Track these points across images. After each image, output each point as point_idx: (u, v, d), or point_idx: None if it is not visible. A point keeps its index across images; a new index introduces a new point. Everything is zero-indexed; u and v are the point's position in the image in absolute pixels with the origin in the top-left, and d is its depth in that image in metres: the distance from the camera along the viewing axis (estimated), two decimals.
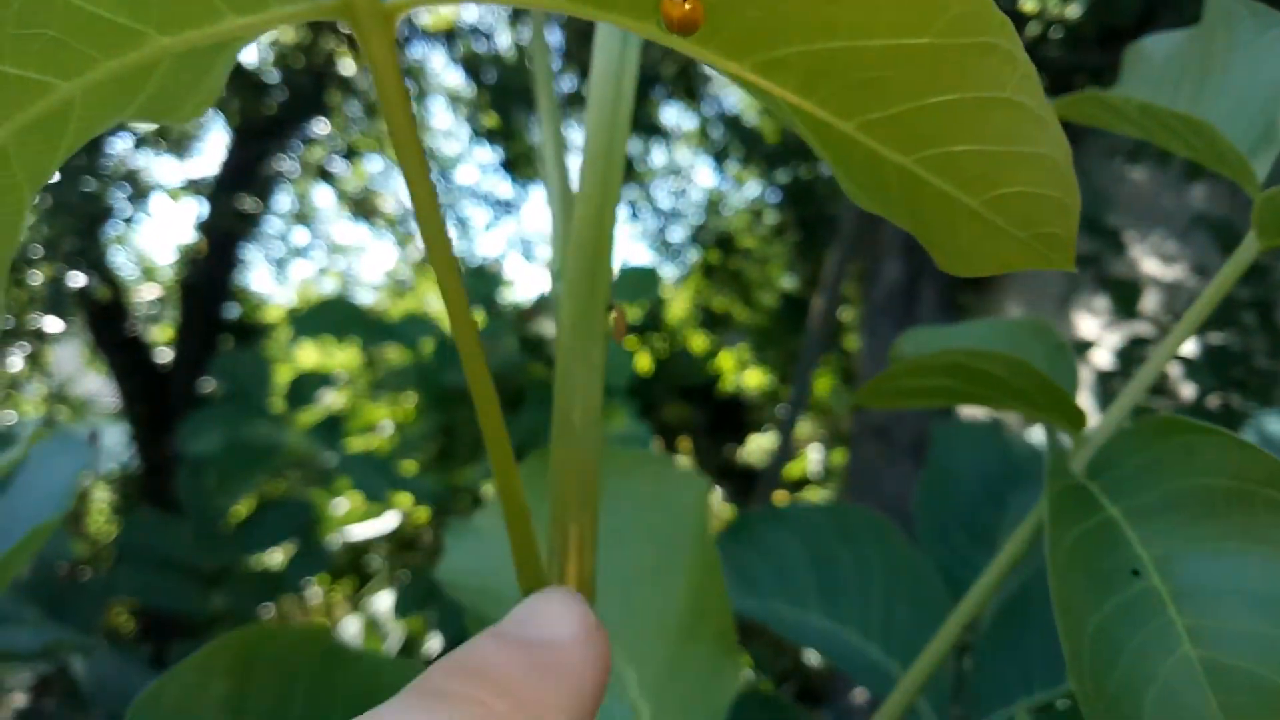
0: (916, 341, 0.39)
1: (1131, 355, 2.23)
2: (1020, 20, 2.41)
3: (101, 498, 3.33)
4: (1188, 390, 2.11)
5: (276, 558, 1.73)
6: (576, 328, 0.27)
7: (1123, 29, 2.44)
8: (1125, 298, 2.19)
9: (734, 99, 3.59)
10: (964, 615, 0.35)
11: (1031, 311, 3.60)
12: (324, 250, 4.55)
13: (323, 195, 4.20)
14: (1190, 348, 2.16)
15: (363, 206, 4.05)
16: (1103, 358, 2.37)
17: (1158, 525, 0.26)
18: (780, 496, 3.96)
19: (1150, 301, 2.94)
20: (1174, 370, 2.09)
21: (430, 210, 0.20)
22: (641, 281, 1.44)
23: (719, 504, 4.03)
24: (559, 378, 0.27)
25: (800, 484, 4.72)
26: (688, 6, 0.17)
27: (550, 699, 0.19)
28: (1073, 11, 2.80)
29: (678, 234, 4.60)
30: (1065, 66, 2.46)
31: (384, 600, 2.20)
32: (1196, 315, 0.34)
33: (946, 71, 0.17)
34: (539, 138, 0.32)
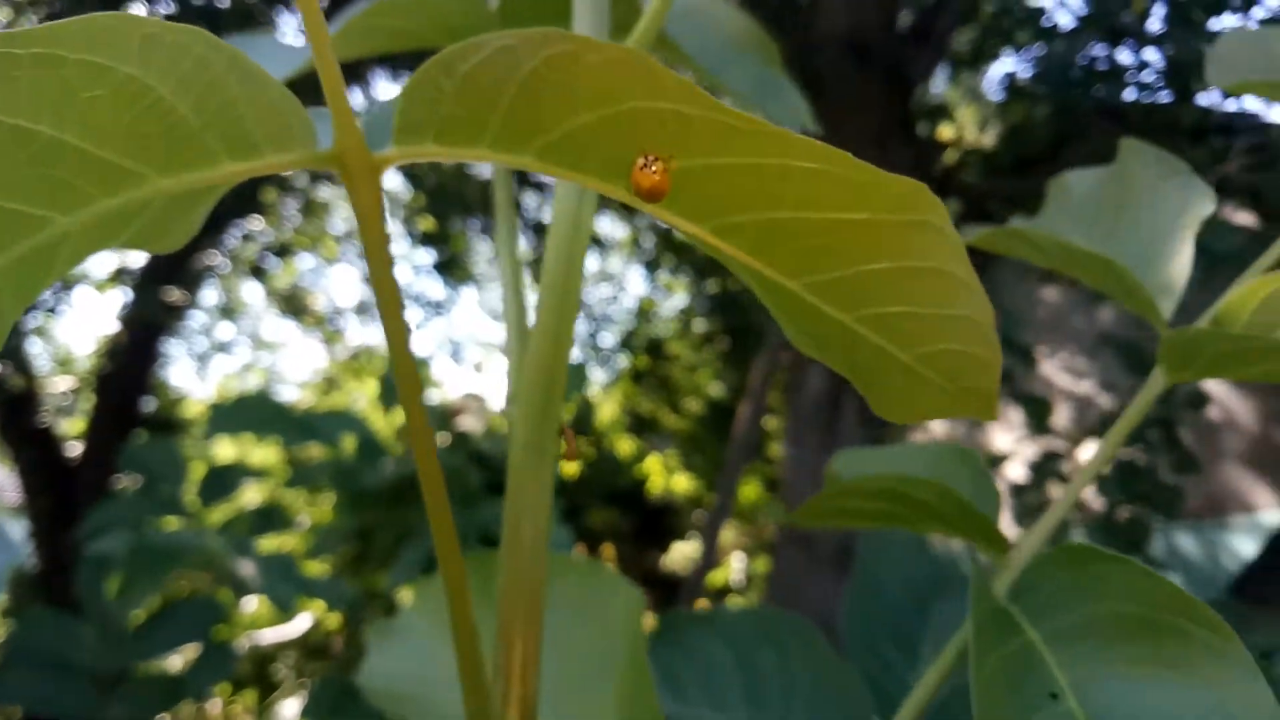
0: (848, 462, 0.41)
1: (1045, 469, 2.30)
2: (939, 148, 2.54)
3: None
4: (1098, 503, 2.18)
5: (177, 662, 1.65)
6: (529, 448, 0.28)
7: (1035, 158, 2.59)
8: (1037, 414, 2.27)
9: None
10: None
11: (949, 423, 3.70)
12: (249, 346, 4.48)
13: (252, 291, 4.18)
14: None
15: (292, 303, 4.02)
16: (1016, 471, 2.44)
17: (1075, 650, 0.28)
18: (702, 605, 3.93)
19: (1061, 416, 3.04)
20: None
21: (401, 347, 0.21)
22: (569, 378, 1.44)
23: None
24: (510, 496, 0.28)
25: (723, 592, 4.69)
26: (656, 178, 0.18)
27: None
28: (988, 141, 2.97)
29: (608, 339, 4.65)
30: (981, 192, 2.59)
31: (290, 708, 2.11)
32: (1113, 443, 0.36)
33: (884, 243, 0.19)
34: (497, 266, 0.33)
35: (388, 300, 0.21)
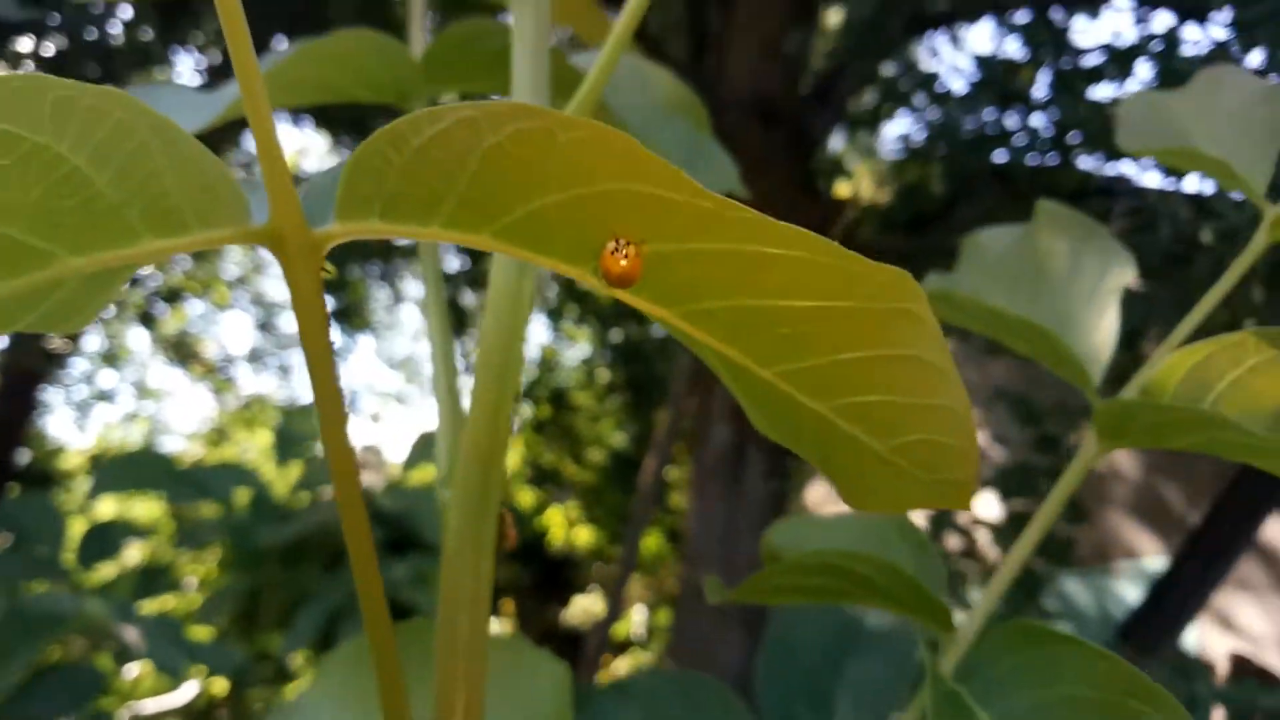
0: (784, 534, 0.40)
1: (942, 521, 2.34)
2: (838, 207, 2.61)
3: None
4: (994, 554, 2.23)
5: None
6: (465, 537, 0.26)
7: (929, 216, 2.67)
8: None
9: None
10: None
11: None
12: (133, 395, 4.29)
13: (138, 337, 4.01)
14: (995, 513, 2.29)
15: (180, 350, 3.87)
16: (916, 522, 2.48)
17: None
18: (607, 661, 3.88)
19: None
20: (983, 535, 2.21)
21: (338, 433, 0.20)
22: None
23: None
24: (445, 588, 0.26)
25: (624, 645, 4.64)
26: (624, 264, 0.17)
27: None
28: (883, 198, 3.06)
29: None
30: (876, 249, 2.66)
31: None
32: (1051, 510, 0.36)
33: (864, 331, 0.18)
34: (426, 335, 0.31)
35: (325, 388, 0.19)
